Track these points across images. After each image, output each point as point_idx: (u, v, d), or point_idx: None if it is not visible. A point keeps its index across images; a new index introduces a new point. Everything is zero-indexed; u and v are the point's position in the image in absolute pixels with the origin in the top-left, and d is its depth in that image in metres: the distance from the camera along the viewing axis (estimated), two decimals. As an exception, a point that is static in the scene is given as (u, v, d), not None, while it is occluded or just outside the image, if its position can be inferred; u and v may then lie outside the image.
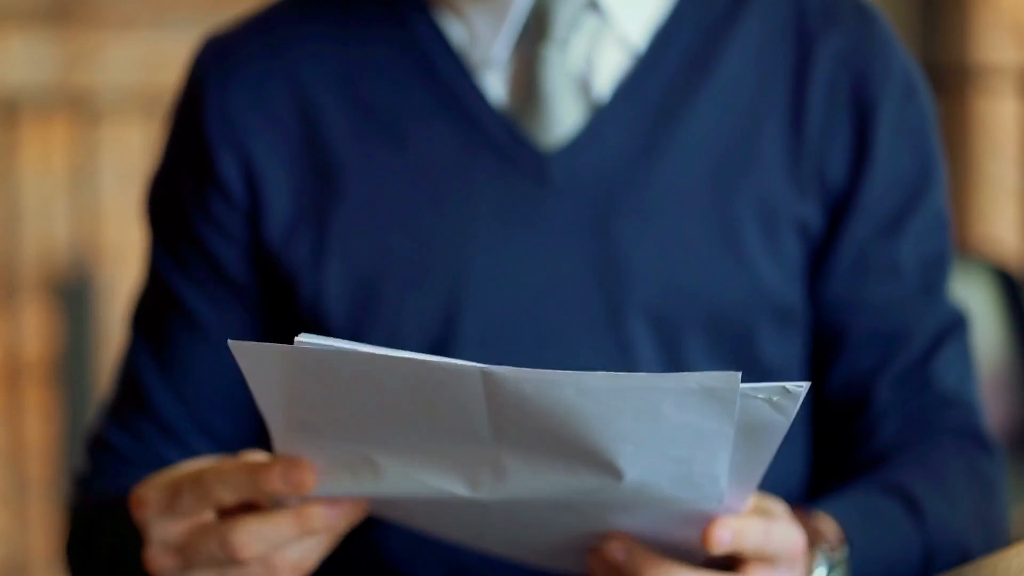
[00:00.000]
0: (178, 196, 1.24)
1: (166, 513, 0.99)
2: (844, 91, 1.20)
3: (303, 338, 0.88)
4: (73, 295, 3.38)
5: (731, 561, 0.98)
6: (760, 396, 0.88)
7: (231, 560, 0.97)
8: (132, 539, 1.08)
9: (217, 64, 1.24)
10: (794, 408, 0.89)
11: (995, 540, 1.17)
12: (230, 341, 0.91)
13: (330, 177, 1.20)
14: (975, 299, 2.09)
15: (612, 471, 0.91)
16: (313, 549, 0.99)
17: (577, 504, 0.95)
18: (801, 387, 0.88)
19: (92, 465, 1.25)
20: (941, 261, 1.24)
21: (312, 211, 1.20)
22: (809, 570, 1.01)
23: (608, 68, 1.20)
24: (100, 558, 1.15)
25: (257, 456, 1.00)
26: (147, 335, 1.25)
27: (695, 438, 0.90)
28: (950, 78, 3.71)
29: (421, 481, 0.95)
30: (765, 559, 0.97)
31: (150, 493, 1.00)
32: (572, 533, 1.00)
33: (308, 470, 0.95)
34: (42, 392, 3.39)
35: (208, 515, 0.99)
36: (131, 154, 3.30)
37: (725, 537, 0.95)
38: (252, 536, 0.96)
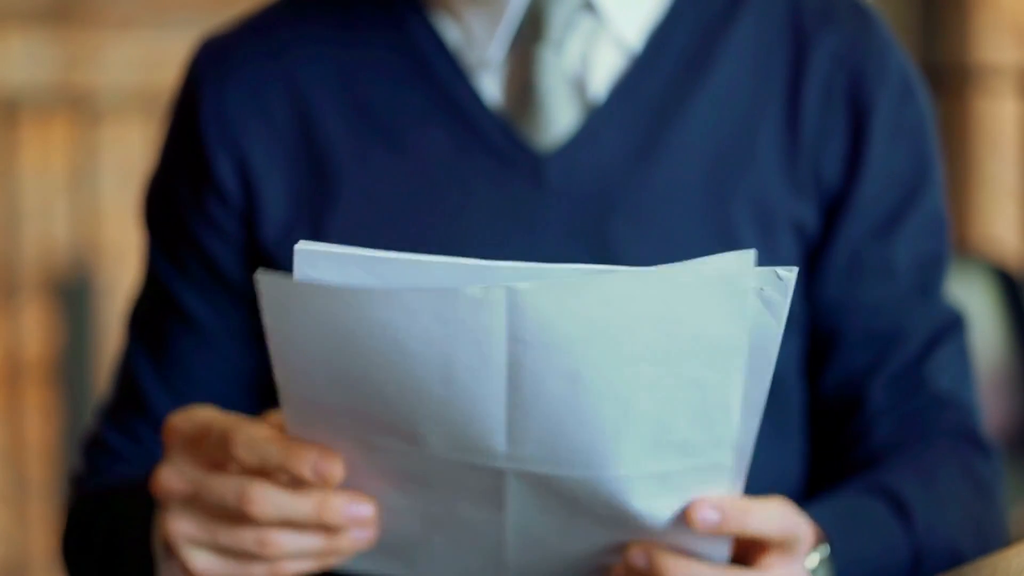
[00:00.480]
0: (175, 198, 1.24)
1: (189, 449, 0.97)
2: (840, 91, 1.20)
3: (304, 245, 0.86)
4: (73, 295, 3.38)
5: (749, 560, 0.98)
6: (751, 283, 0.87)
7: (238, 511, 0.95)
8: (127, 525, 1.09)
9: (214, 66, 1.24)
10: (784, 304, 0.88)
11: (991, 542, 1.17)
12: (259, 273, 0.87)
13: (326, 179, 1.20)
14: (975, 299, 2.09)
15: (627, 408, 0.90)
16: (305, 551, 0.97)
17: (591, 496, 0.94)
18: (791, 272, 0.87)
19: (89, 466, 1.25)
20: (937, 262, 1.23)
21: (308, 212, 1.20)
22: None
23: (604, 69, 1.20)
24: (95, 545, 1.15)
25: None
26: (144, 337, 1.25)
27: (709, 352, 0.88)
28: (950, 78, 3.71)
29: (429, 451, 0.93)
30: (785, 547, 0.97)
31: (183, 425, 0.98)
32: (590, 547, 0.98)
33: (338, 466, 0.93)
34: (42, 392, 3.39)
35: (230, 466, 0.97)
36: (131, 154, 3.30)
37: (709, 516, 0.93)
38: (269, 500, 0.94)
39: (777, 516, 0.96)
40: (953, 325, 1.23)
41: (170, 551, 0.99)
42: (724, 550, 0.97)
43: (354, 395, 0.91)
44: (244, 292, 1.23)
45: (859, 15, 1.23)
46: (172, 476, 0.97)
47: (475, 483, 0.95)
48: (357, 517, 0.96)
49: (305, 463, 0.93)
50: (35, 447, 3.39)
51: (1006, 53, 3.76)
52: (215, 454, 0.96)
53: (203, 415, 0.98)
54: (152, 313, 1.26)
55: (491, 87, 1.20)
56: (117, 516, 1.13)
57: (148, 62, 3.36)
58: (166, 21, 3.39)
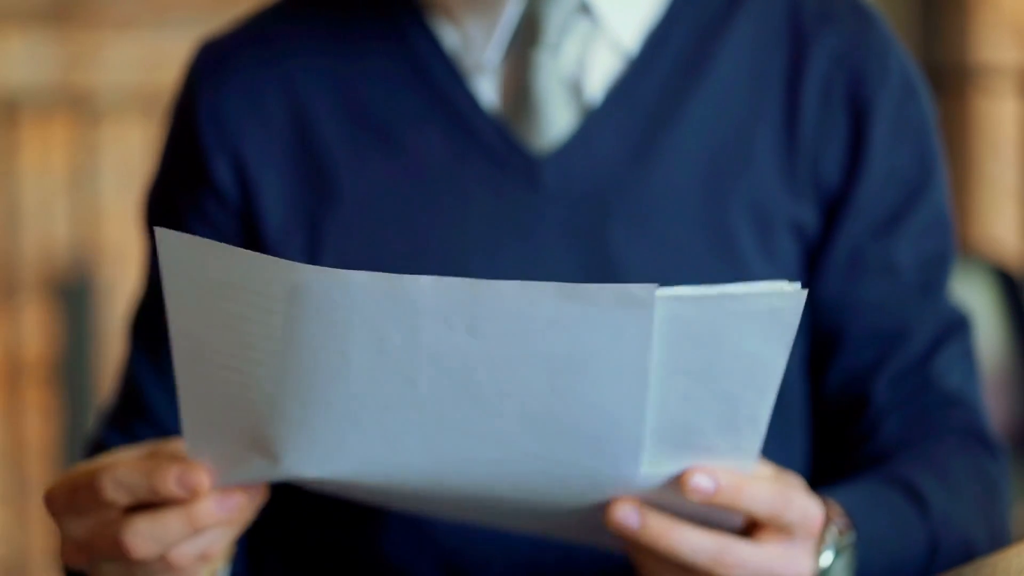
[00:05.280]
0: (173, 202, 1.25)
1: (70, 511, 0.99)
2: (840, 90, 1.20)
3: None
4: (73, 295, 3.38)
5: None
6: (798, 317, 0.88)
7: (127, 560, 0.97)
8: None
9: (212, 70, 1.24)
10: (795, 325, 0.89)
11: (999, 538, 1.17)
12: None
13: (324, 182, 1.20)
14: (975, 299, 2.09)
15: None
16: (216, 540, 0.98)
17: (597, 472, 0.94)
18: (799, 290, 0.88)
19: (90, 469, 1.26)
20: (941, 261, 1.23)
21: (306, 216, 1.20)
22: (818, 551, 1.01)
23: (600, 71, 1.20)
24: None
25: (172, 446, 1.00)
26: (144, 341, 1.26)
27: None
28: (950, 78, 3.71)
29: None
30: (782, 528, 0.97)
31: (55, 491, 1.00)
32: (588, 504, 0.97)
33: (203, 472, 0.95)
34: (42, 392, 3.39)
35: (109, 513, 0.98)
36: (131, 154, 3.30)
37: (703, 483, 0.94)
38: (143, 537, 0.96)
39: (769, 496, 0.96)
40: (959, 325, 1.23)
41: None
42: (737, 519, 0.97)
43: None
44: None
45: (859, 15, 1.23)
46: (67, 548, 1.00)
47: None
48: (232, 509, 0.97)
49: (169, 479, 0.94)
50: (35, 447, 3.39)
51: (1006, 53, 3.76)
52: (91, 507, 0.97)
53: (72, 475, 1.00)
54: (151, 317, 1.26)
55: (488, 90, 1.20)
56: None
57: (148, 62, 3.36)
58: (166, 21, 3.39)
